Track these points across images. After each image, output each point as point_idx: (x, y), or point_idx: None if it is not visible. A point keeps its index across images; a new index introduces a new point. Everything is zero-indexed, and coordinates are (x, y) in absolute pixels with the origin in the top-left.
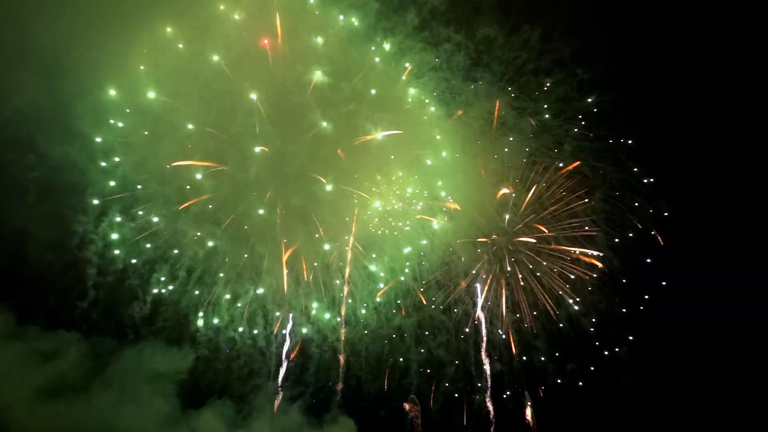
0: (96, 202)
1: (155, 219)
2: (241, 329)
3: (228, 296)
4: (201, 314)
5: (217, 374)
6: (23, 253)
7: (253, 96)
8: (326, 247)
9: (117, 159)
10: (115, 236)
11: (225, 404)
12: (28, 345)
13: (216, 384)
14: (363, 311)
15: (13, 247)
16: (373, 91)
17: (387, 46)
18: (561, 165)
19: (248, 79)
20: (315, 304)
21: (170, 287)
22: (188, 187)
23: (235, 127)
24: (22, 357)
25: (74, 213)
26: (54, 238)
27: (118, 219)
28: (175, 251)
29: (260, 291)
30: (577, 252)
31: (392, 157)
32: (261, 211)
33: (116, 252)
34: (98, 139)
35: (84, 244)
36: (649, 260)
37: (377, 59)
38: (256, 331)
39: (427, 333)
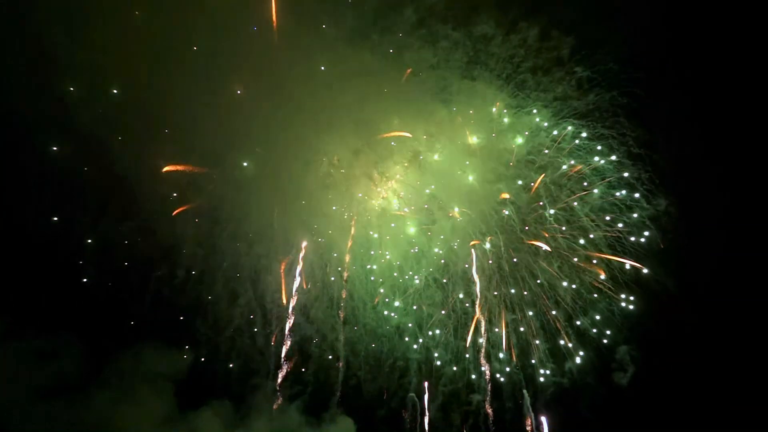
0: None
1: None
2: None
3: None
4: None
5: (216, 374)
6: (21, 253)
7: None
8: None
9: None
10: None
11: (223, 404)
12: (26, 345)
13: (215, 384)
14: (362, 310)
15: (10, 246)
16: (386, 90)
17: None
18: (560, 165)
19: (238, 72)
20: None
21: (169, 287)
22: (174, 194)
23: (228, 126)
24: (19, 357)
25: (72, 212)
26: (52, 237)
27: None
28: (174, 251)
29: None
30: (595, 262)
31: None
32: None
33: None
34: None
35: (83, 244)
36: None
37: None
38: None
39: (425, 332)
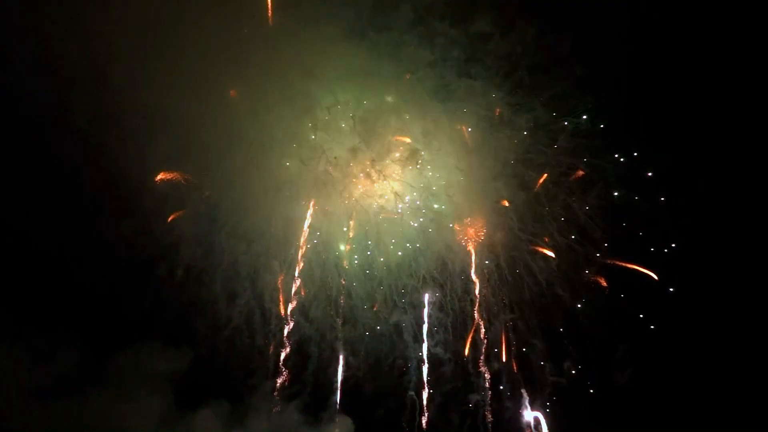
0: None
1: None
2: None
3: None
4: None
5: (215, 374)
6: (19, 252)
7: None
8: None
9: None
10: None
11: (222, 403)
12: (23, 344)
13: (213, 383)
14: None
15: (9, 245)
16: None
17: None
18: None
19: (233, 68)
20: None
21: (168, 286)
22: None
23: (223, 123)
24: (17, 356)
25: (71, 210)
26: (51, 236)
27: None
28: (173, 249)
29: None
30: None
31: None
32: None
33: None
34: None
35: (81, 243)
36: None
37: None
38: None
39: (424, 331)
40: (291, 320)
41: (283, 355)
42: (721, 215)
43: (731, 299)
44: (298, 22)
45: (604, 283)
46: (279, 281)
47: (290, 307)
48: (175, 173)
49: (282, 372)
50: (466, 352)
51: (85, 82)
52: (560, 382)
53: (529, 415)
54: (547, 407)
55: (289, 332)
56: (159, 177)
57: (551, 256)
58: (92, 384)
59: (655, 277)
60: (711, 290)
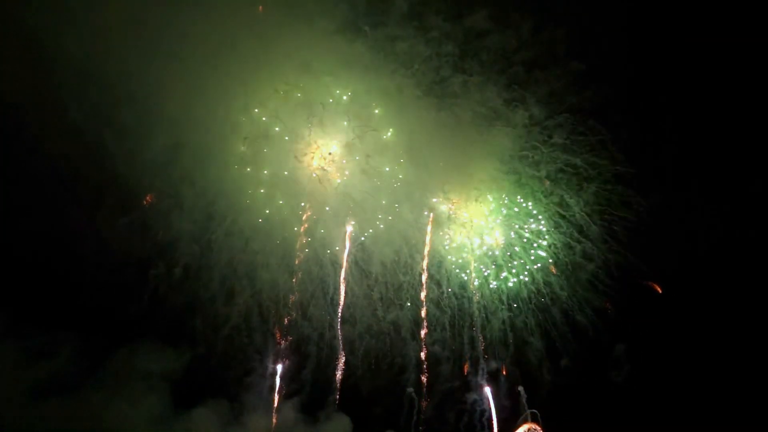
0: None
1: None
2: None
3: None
4: None
5: (213, 372)
6: (18, 250)
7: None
8: None
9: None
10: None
11: (220, 403)
12: (21, 343)
13: (211, 382)
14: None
15: (7, 244)
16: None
17: None
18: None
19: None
20: None
21: (166, 284)
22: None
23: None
24: (15, 355)
25: (69, 208)
26: (49, 234)
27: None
28: (170, 248)
29: None
30: None
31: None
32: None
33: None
34: None
35: (79, 241)
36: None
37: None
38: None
39: (423, 329)
40: (289, 319)
41: (281, 355)
42: (720, 214)
43: (731, 298)
44: (289, 13)
45: (603, 282)
46: (277, 279)
47: (288, 305)
48: (170, 170)
49: (280, 371)
50: (464, 350)
51: (78, 77)
52: (558, 381)
53: (526, 412)
54: (544, 404)
55: (287, 331)
56: (155, 173)
57: (549, 255)
58: (90, 383)
59: (659, 289)
60: (710, 290)
